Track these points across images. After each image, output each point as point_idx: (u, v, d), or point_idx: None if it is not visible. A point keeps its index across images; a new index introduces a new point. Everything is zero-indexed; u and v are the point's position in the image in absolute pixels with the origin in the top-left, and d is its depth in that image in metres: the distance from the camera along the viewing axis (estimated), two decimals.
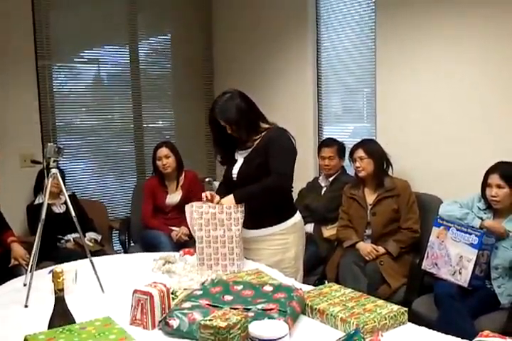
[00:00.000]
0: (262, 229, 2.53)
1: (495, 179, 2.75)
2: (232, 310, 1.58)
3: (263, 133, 2.50)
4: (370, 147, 3.43)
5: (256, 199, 2.43)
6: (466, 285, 2.66)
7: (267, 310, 1.68)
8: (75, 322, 1.55)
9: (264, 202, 2.47)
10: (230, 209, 2.35)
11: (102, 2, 4.65)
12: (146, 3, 4.92)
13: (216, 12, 5.22)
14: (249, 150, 2.53)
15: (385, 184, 3.38)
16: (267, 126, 2.54)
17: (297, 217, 2.63)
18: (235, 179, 2.58)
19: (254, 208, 2.43)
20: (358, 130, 4.30)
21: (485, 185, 2.82)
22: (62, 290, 1.52)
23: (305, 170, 4.23)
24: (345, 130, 4.37)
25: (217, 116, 2.46)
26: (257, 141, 2.50)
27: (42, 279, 2.07)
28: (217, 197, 2.46)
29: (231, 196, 2.42)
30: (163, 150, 3.99)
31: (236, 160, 2.59)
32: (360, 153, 3.41)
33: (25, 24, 4.22)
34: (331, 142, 3.91)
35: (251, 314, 1.65)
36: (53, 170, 2.17)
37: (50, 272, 2.10)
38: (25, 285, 2.10)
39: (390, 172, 3.47)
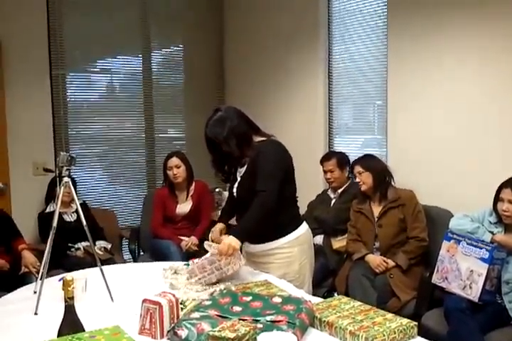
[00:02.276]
0: (265, 244, 2.51)
1: (507, 194, 2.73)
2: (240, 321, 1.58)
3: (256, 147, 2.46)
4: (367, 161, 3.51)
5: (258, 227, 2.39)
6: (476, 299, 2.64)
7: (275, 322, 1.67)
8: (84, 331, 1.56)
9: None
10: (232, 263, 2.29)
11: (116, 12, 4.71)
12: (159, 14, 4.97)
13: (228, 24, 5.27)
14: (245, 167, 2.51)
15: (388, 195, 3.40)
16: (261, 138, 2.51)
17: (301, 229, 2.57)
18: (235, 197, 2.58)
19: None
20: (368, 142, 4.30)
21: (497, 199, 2.80)
22: (72, 298, 1.53)
23: (314, 183, 4.23)
24: (355, 142, 4.37)
25: (208, 134, 2.46)
26: (251, 156, 2.47)
27: (52, 287, 2.08)
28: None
29: (232, 238, 2.31)
30: (174, 160, 4.00)
31: (236, 179, 2.58)
32: (358, 168, 3.49)
33: (40, 34, 4.29)
34: (329, 155, 3.95)
35: (260, 325, 1.64)
36: (65, 179, 2.18)
37: (60, 280, 2.11)
38: (35, 292, 2.10)
39: (393, 185, 3.49)
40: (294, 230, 2.54)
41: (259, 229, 2.40)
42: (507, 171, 2.85)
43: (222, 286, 2.15)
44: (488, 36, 3.19)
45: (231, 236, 2.31)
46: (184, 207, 4.05)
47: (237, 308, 1.78)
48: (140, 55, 4.96)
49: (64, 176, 2.19)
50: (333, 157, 3.88)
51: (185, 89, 5.25)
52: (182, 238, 3.94)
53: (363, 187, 3.46)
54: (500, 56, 3.14)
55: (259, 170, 2.41)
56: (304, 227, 2.61)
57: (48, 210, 3.93)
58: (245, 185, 2.49)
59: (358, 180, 3.48)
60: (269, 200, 2.37)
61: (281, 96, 4.69)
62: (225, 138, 2.40)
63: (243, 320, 1.64)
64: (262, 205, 2.37)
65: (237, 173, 2.57)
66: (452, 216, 3.06)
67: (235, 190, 2.57)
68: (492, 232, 2.79)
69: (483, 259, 2.64)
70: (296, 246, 2.53)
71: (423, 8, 3.51)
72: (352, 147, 4.26)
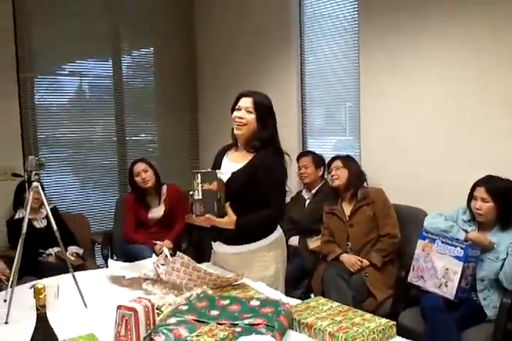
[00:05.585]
0: (238, 246, 2.44)
1: (481, 192, 2.77)
2: (218, 325, 1.55)
3: (259, 151, 2.43)
4: (347, 159, 3.58)
5: (254, 229, 2.42)
6: (452, 297, 2.66)
7: (254, 325, 1.65)
8: (57, 340, 1.50)
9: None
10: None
11: (85, 15, 4.62)
12: (128, 16, 4.92)
13: (199, 26, 5.23)
14: (240, 166, 2.44)
15: (358, 195, 3.43)
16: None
17: (275, 234, 2.52)
18: None
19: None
20: (340, 143, 4.32)
21: (471, 197, 2.83)
22: (44, 306, 1.48)
23: (289, 185, 4.20)
24: (328, 143, 4.38)
25: (249, 94, 2.50)
26: (250, 159, 2.43)
27: (23, 295, 2.01)
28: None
29: (232, 219, 2.33)
30: (141, 165, 3.99)
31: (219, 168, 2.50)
32: (337, 163, 3.53)
33: (7, 36, 4.19)
34: (306, 152, 4.07)
35: (238, 329, 1.61)
36: (35, 184, 2.13)
37: (31, 287, 2.05)
38: (5, 301, 2.03)
39: (365, 186, 3.52)
40: (268, 235, 2.49)
41: (250, 231, 2.41)
42: (481, 170, 2.88)
43: (199, 290, 2.11)
44: (460, 38, 3.23)
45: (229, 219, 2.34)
46: (157, 211, 4.00)
47: (214, 312, 1.75)
48: (110, 58, 4.89)
49: (33, 181, 2.13)
50: (310, 154, 3.98)
51: (156, 92, 5.20)
52: (156, 242, 3.88)
53: (336, 182, 3.47)
54: (469, 59, 3.19)
55: (274, 186, 2.42)
56: (278, 231, 2.57)
57: (17, 216, 3.83)
58: (234, 187, 2.39)
59: (333, 173, 3.49)
60: (277, 216, 2.47)
61: None
62: (266, 111, 2.47)
63: (221, 324, 1.61)
64: (270, 217, 2.42)
65: (226, 165, 2.50)
66: (427, 215, 3.09)
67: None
68: (466, 230, 2.82)
69: (458, 257, 2.67)
70: (271, 250, 2.48)
71: (394, 9, 3.53)
72: (325, 148, 4.27)
